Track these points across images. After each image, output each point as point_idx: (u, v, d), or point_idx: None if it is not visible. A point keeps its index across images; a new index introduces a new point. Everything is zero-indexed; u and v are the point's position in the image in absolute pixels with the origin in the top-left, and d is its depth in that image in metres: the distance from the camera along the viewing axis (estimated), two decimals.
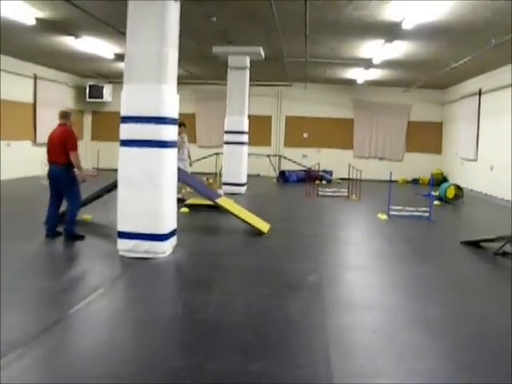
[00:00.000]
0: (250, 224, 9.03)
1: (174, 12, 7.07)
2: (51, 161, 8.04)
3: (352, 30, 11.50)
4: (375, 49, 13.24)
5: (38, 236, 8.08)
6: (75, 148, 7.90)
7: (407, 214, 11.72)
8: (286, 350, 4.20)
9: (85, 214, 9.63)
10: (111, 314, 5.15)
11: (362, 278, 6.72)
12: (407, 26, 10.27)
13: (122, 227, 7.06)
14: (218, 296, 5.60)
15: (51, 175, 8.05)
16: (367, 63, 15.33)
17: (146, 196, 6.93)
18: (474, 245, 8.68)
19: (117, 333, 4.60)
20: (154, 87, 6.84)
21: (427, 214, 11.38)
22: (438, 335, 4.68)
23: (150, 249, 6.98)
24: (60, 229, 8.16)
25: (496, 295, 6.08)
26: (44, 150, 8.37)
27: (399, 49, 13.00)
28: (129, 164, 6.97)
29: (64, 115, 8.22)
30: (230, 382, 3.63)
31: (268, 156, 20.95)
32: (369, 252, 8.50)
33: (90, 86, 21.20)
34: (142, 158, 6.89)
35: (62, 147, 7.85)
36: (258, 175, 21.25)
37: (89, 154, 21.18)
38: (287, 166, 20.78)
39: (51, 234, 8.07)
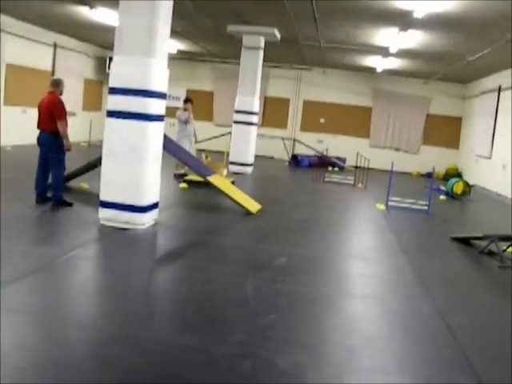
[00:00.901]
0: (239, 204, 9.07)
1: None
2: (40, 128, 8.19)
3: (365, 16, 11.37)
4: (391, 37, 13.07)
5: (28, 201, 8.23)
6: (62, 117, 8.00)
7: (406, 206, 11.64)
8: (223, 327, 4.25)
9: (83, 183, 9.79)
10: (73, 277, 5.28)
11: (330, 264, 6.70)
12: (418, 14, 10.12)
13: (104, 196, 7.18)
14: (180, 270, 5.69)
15: (39, 142, 8.22)
16: (384, 51, 15.14)
17: (129, 168, 7.03)
18: (464, 242, 8.60)
19: (73, 296, 4.72)
20: (142, 60, 6.89)
21: (426, 208, 11.28)
22: (387, 325, 4.70)
23: (129, 220, 7.09)
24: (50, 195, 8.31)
25: (468, 293, 6.05)
26: None
27: (414, 38, 12.79)
28: (114, 135, 7.07)
29: (54, 83, 8.30)
30: (160, 352, 3.70)
31: (282, 139, 20.89)
32: (349, 241, 8.50)
33: (110, 58, 21.31)
34: (126, 129, 6.97)
35: (49, 116, 7.97)
36: (272, 158, 21.24)
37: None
38: (302, 150, 20.70)
39: (41, 199, 8.23)
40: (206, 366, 3.53)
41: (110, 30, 16.37)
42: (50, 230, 7.13)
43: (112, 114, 7.05)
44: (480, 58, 13.41)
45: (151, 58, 6.91)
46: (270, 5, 11.27)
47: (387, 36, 13.08)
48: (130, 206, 7.05)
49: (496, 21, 10.14)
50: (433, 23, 10.96)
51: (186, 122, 12.80)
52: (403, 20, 10.98)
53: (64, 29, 17.29)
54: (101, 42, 19.63)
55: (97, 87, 21.68)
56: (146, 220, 7.25)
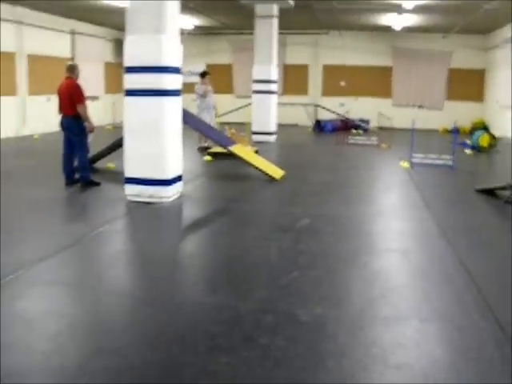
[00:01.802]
0: (262, 171, 9.22)
1: None
2: (62, 112, 8.50)
3: None
4: None
5: (58, 184, 8.52)
6: (82, 101, 8.26)
7: (431, 162, 11.61)
8: (248, 286, 4.45)
9: (109, 163, 10.05)
10: (104, 250, 5.55)
11: (354, 223, 6.82)
12: None
13: (128, 173, 7.42)
14: (206, 237, 5.91)
15: (62, 126, 8.53)
16: (399, 8, 14.93)
17: (150, 143, 7.24)
18: (489, 193, 8.59)
19: (105, 266, 4.97)
20: (153, 37, 7.03)
21: (450, 163, 11.24)
22: (409, 274, 4.84)
23: (154, 193, 7.32)
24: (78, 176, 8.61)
25: (489, 241, 6.11)
26: None
27: None
28: (133, 113, 7.28)
29: (70, 69, 8.57)
30: (189, 312, 3.92)
31: (304, 105, 20.84)
32: (372, 198, 8.58)
33: None
34: (144, 106, 7.17)
35: (69, 100, 8.25)
36: (296, 125, 21.24)
37: None
38: (325, 115, 20.63)
39: (70, 181, 8.54)
40: (231, 322, 3.73)
41: (124, 13, 16.53)
42: (79, 209, 7.44)
43: (129, 92, 7.26)
44: (498, 5, 13.13)
45: (161, 34, 7.04)
46: None
47: None
48: (154, 180, 7.27)
49: None
50: None
51: (204, 96, 12.93)
52: None
53: (80, 15, 17.48)
54: (117, 24, 19.75)
55: (117, 69, 21.79)
56: (171, 193, 7.46)
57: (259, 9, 14.63)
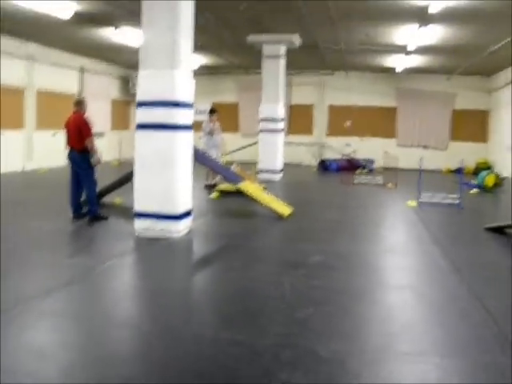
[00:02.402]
0: (271, 208, 9.19)
1: (186, 4, 7.31)
2: (70, 146, 8.54)
3: (383, 15, 11.49)
4: (409, 34, 13.11)
5: (65, 217, 8.50)
6: (89, 134, 8.31)
7: (437, 201, 11.58)
8: (263, 320, 4.37)
9: (116, 198, 10.04)
10: (114, 283, 5.47)
11: (364, 259, 6.77)
12: (433, 10, 10.19)
13: (138, 207, 7.39)
14: (218, 272, 5.84)
15: (70, 159, 8.56)
16: (404, 49, 15.18)
17: (161, 177, 7.23)
18: (498, 231, 8.53)
19: (116, 299, 4.89)
20: (166, 72, 7.11)
21: (457, 202, 11.22)
22: (427, 313, 4.75)
23: (164, 228, 7.26)
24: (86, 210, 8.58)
25: (501, 279, 6.03)
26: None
27: (433, 34, 12.82)
28: (144, 147, 7.30)
29: (77, 103, 8.65)
30: (205, 346, 3.83)
31: (310, 145, 20.99)
32: (382, 237, 8.52)
33: (134, 77, 21.68)
34: (156, 140, 7.19)
35: (77, 134, 8.30)
36: (300, 164, 21.30)
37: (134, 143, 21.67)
38: (330, 155, 20.72)
39: (77, 214, 8.50)
40: (249, 357, 3.64)
41: (133, 51, 16.79)
42: (87, 242, 7.38)
43: (141, 126, 7.28)
44: (502, 47, 13.33)
45: (175, 69, 7.12)
46: (288, 11, 11.45)
47: (406, 33, 13.13)
48: (164, 215, 7.23)
49: None
50: (449, 17, 11.00)
51: (211, 133, 13.01)
52: (421, 16, 11.04)
53: (90, 52, 17.79)
54: (125, 62, 20.06)
55: (124, 106, 22.13)
56: (181, 228, 7.41)
57: (266, 49, 14.85)
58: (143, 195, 7.34)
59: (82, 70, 18.76)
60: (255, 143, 18.51)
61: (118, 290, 5.30)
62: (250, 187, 9.74)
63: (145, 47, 7.31)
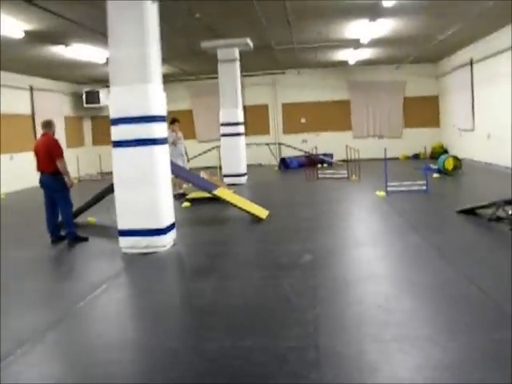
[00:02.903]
0: (248, 212, 9.26)
1: (152, 13, 7.29)
2: (41, 170, 8.29)
3: (335, 12, 11.68)
4: (361, 28, 13.36)
5: (44, 242, 8.33)
6: (61, 156, 8.11)
7: (405, 188, 11.88)
8: (276, 325, 4.44)
9: (89, 217, 9.91)
10: (118, 305, 5.44)
11: (356, 254, 6.95)
12: (388, 4, 10.42)
13: (122, 225, 7.33)
14: (215, 282, 5.86)
15: (42, 183, 8.34)
16: (356, 44, 15.47)
17: (142, 193, 7.20)
18: (470, 213, 8.82)
19: (126, 320, 4.87)
20: (139, 87, 7.08)
21: (424, 187, 11.54)
22: (425, 299, 4.91)
23: (150, 243, 7.24)
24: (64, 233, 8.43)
25: (487, 258, 6.27)
26: None
27: (385, 26, 13.10)
28: (122, 164, 7.25)
29: (46, 125, 8.44)
30: (223, 358, 3.87)
31: (267, 144, 21.16)
32: (364, 229, 8.71)
33: (87, 92, 21.42)
34: (134, 156, 7.15)
35: (48, 156, 8.09)
36: (260, 165, 21.42)
37: (92, 159, 21.37)
38: (288, 152, 20.94)
39: (56, 238, 8.35)
40: (274, 362, 3.71)
41: (84, 66, 16.59)
42: (72, 266, 7.25)
43: (118, 143, 7.22)
44: (450, 35, 13.76)
45: (148, 83, 7.10)
46: (242, 15, 11.51)
47: (358, 28, 13.37)
48: (149, 230, 7.20)
49: None
50: (401, 9, 11.25)
51: (174, 143, 12.98)
52: (373, 10, 11.28)
53: (39, 70, 17.41)
54: (76, 78, 19.78)
55: (77, 123, 21.80)
56: (167, 241, 7.41)
57: (221, 54, 14.89)
58: (126, 212, 7.29)
59: (32, 89, 18.37)
60: (213, 148, 18.60)
61: (120, 312, 5.27)
62: (225, 193, 9.79)
63: (114, 63, 7.25)
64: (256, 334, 4.25)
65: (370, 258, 6.72)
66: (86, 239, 8.33)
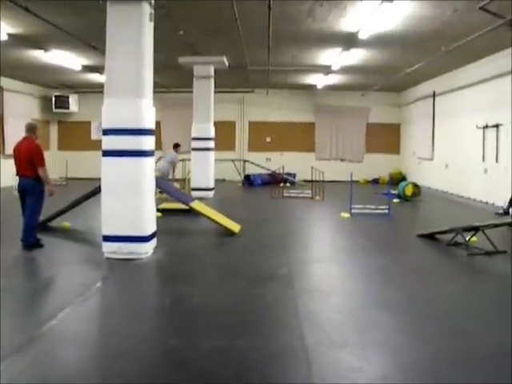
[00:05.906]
0: (222, 225, 9.63)
1: (148, 32, 7.67)
2: (20, 174, 8.13)
3: (312, 40, 12.29)
4: (334, 56, 14.05)
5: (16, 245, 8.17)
6: (43, 163, 7.99)
7: (368, 211, 12.47)
8: (266, 328, 4.85)
9: (64, 222, 10.07)
10: (106, 308, 5.73)
11: (327, 269, 7.45)
12: (363, 36, 11.06)
13: (106, 231, 7.60)
14: (200, 288, 6.22)
15: (21, 188, 8.16)
16: (326, 70, 16.15)
17: (128, 201, 7.50)
18: (429, 237, 9.43)
19: (115, 322, 5.17)
20: (133, 101, 7.42)
21: (386, 211, 12.16)
22: (392, 314, 5.40)
23: (133, 250, 7.53)
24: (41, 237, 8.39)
25: (447, 279, 6.86)
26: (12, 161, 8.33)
27: (356, 56, 13.82)
28: (111, 173, 7.54)
29: (30, 128, 8.28)
30: (218, 356, 4.24)
31: (233, 161, 21.60)
32: (333, 247, 9.22)
33: (56, 97, 21.44)
34: (123, 166, 7.46)
35: (29, 161, 7.95)
36: (224, 180, 21.78)
37: (57, 164, 21.32)
38: (252, 170, 21.43)
39: (33, 243, 8.12)
40: (273, 359, 4.12)
41: (59, 71, 16.70)
42: (64, 269, 7.29)
43: (108, 153, 7.52)
44: (416, 68, 14.56)
45: (141, 98, 7.46)
46: (224, 34, 11.96)
47: (331, 56, 14.04)
48: (133, 237, 7.50)
49: (432, 36, 11.24)
50: (375, 42, 11.95)
51: (173, 163, 13.39)
52: (348, 41, 11.93)
53: (11, 72, 17.39)
54: (47, 81, 19.79)
55: (44, 127, 21.72)
56: (148, 249, 7.72)
57: (197, 70, 15.30)
58: (111, 219, 7.57)
59: (1, 90, 18.32)
60: (183, 160, 18.80)
61: (123, 314, 5.55)
62: (200, 206, 10.14)
63: (109, 76, 7.58)
64: (247, 336, 4.63)
65: (345, 273, 7.24)
66: (41, 246, 8.16)
